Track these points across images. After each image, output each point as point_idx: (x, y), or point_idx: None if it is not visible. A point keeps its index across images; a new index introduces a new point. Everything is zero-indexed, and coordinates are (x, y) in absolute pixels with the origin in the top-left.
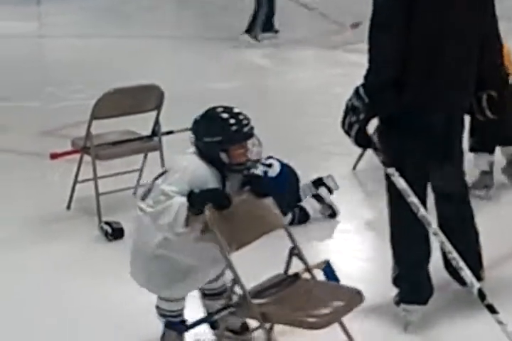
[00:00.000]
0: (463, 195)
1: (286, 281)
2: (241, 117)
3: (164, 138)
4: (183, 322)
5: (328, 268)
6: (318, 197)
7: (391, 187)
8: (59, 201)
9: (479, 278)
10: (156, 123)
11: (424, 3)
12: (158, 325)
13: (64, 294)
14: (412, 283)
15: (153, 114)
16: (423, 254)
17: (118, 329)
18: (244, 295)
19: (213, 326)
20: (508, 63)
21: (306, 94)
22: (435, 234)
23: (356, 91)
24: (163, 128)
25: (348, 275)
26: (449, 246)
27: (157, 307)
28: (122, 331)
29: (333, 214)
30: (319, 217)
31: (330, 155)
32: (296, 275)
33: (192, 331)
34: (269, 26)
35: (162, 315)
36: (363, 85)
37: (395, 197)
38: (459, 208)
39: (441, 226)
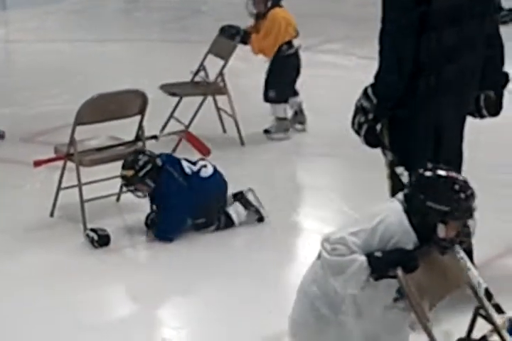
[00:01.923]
0: None
1: None
2: (472, 192)
3: (148, 143)
4: None
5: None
6: (244, 202)
7: (395, 187)
8: (41, 208)
9: None
10: (140, 127)
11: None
12: (145, 335)
13: (51, 301)
14: None
15: (133, 119)
16: None
17: (106, 338)
18: None
19: None
20: (289, 26)
21: None
22: None
23: (365, 91)
24: (146, 133)
25: None
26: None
27: None
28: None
29: (261, 218)
30: (243, 222)
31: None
32: (484, 339)
33: None
34: None
35: None
36: (371, 85)
37: None
38: None
39: None
